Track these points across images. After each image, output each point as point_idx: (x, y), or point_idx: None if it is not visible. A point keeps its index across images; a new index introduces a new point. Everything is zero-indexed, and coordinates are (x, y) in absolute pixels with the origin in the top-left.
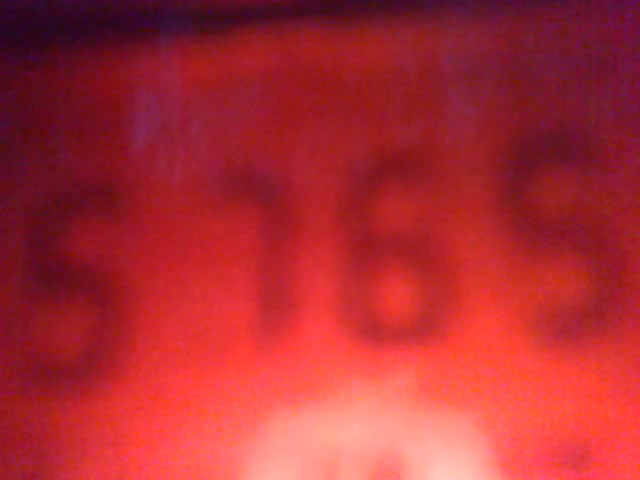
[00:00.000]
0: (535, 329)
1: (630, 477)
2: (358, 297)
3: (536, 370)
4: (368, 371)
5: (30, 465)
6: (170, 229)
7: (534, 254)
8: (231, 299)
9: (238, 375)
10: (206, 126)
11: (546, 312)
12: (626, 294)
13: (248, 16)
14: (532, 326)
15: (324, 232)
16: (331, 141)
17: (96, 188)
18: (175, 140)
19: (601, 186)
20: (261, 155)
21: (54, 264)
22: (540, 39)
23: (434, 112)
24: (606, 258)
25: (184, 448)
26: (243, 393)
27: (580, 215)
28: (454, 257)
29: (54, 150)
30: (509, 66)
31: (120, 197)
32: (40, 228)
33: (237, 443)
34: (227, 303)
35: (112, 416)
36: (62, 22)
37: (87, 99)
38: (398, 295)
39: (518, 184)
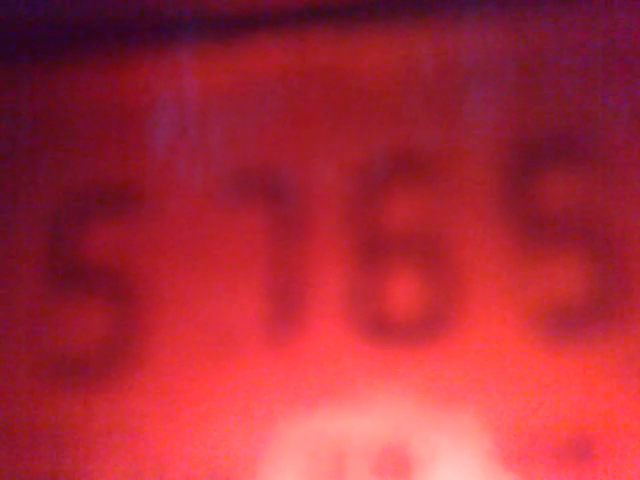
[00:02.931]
0: (540, 326)
1: (634, 471)
2: (368, 296)
3: (541, 366)
4: (377, 368)
5: (49, 460)
6: (185, 230)
7: (540, 253)
8: (244, 298)
9: (250, 371)
10: (222, 129)
11: (551, 310)
12: (631, 291)
13: (264, 20)
14: (538, 323)
15: (335, 233)
16: (345, 143)
17: (114, 189)
18: (191, 143)
19: (607, 186)
20: (275, 157)
21: (72, 263)
22: (554, 42)
23: (449, 113)
24: (611, 257)
25: (199, 442)
26: (255, 389)
27: (585, 214)
28: (462, 256)
29: (74, 153)
30: (525, 67)
31: (137, 198)
32: (59, 227)
33: (249, 437)
34: (240, 302)
35: (128, 411)
36: (82, 28)
37: (106, 103)
38: (407, 294)
39: (526, 184)
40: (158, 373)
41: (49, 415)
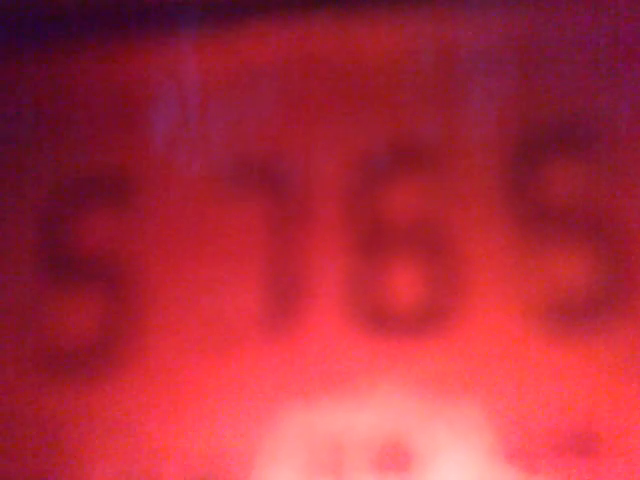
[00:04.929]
0: (543, 319)
1: (638, 466)
2: (368, 288)
3: (544, 359)
4: (377, 361)
5: (41, 453)
6: (182, 221)
7: (543, 244)
8: (242, 289)
9: (248, 364)
10: (219, 118)
11: (555, 302)
12: (635, 284)
13: (263, 7)
14: (540, 316)
15: (336, 224)
16: (344, 132)
17: (111, 179)
18: (190, 132)
19: (611, 177)
20: (276, 147)
21: (67, 254)
22: (557, 30)
23: (452, 103)
24: (615, 248)
25: (195, 436)
26: (253, 382)
27: (590, 206)
28: (463, 248)
29: (69, 142)
30: (525, 57)
31: (132, 188)
32: (53, 218)
33: (247, 431)
34: (238, 293)
35: (123, 404)
36: (78, 14)
37: (102, 92)
38: (407, 286)
39: (529, 175)
40: (154, 366)
41: (42, 408)
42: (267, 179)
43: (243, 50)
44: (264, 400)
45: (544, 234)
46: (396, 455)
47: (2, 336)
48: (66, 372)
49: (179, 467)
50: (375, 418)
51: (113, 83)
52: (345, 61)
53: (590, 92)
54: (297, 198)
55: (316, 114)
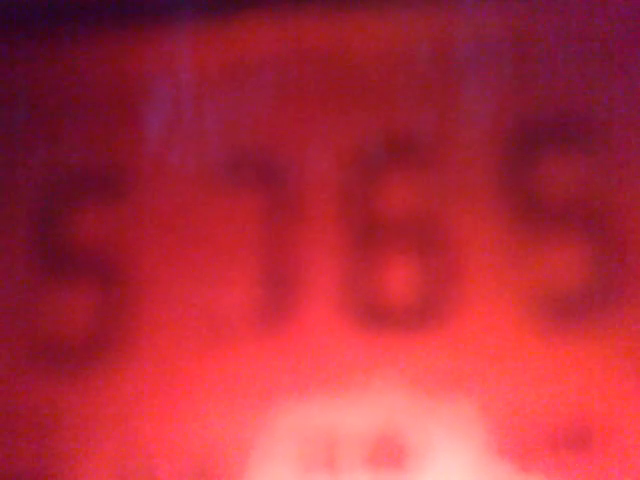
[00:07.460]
0: (538, 313)
1: (630, 460)
2: (362, 283)
3: (538, 354)
4: (371, 355)
5: (35, 445)
6: (176, 214)
7: (538, 238)
8: (236, 283)
9: (242, 358)
10: (213, 112)
11: (549, 296)
12: (630, 278)
13: (257, 2)
14: (535, 310)
15: (330, 218)
16: (341, 127)
17: (103, 173)
18: (185, 126)
19: (606, 170)
20: (270, 141)
21: (61, 247)
22: (552, 25)
23: (446, 98)
24: (610, 242)
25: (189, 430)
26: (247, 376)
27: (584, 199)
28: (458, 242)
29: (63, 136)
30: (520, 52)
31: (127, 183)
32: (47, 211)
33: (241, 425)
34: (232, 287)
35: (117, 398)
36: (72, 7)
37: (96, 85)
38: (402, 281)
39: (523, 168)
40: (148, 361)
41: (36, 401)
42: (261, 174)
43: (237, 45)
44: (258, 395)
45: (539, 229)
46: (390, 450)
47: None
48: (60, 366)
49: (173, 461)
50: (369, 413)
51: (107, 78)
52: (339, 56)
53: (585, 87)
54: (291, 193)
55: (310, 109)
